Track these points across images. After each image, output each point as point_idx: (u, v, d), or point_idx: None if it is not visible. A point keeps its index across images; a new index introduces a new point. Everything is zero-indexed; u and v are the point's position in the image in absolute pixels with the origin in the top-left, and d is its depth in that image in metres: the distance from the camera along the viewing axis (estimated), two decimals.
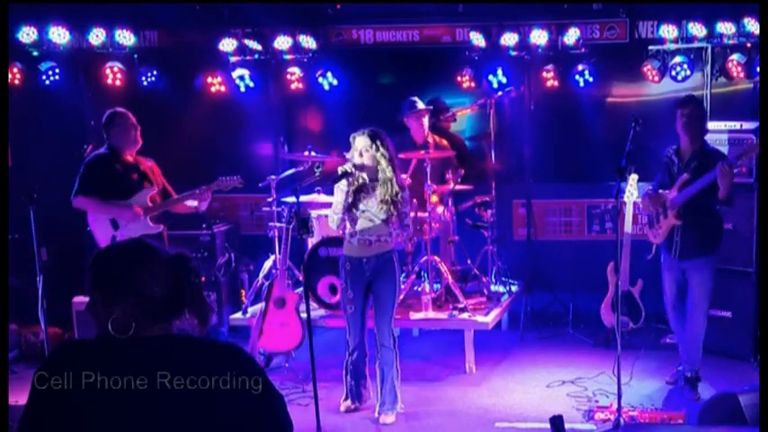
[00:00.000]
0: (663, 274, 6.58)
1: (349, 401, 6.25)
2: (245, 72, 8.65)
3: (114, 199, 6.47)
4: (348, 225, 5.94)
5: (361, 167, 5.82)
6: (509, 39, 8.12)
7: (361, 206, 5.88)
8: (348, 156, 5.89)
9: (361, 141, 5.81)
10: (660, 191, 6.45)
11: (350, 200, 5.85)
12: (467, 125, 9.27)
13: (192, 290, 2.47)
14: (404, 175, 7.68)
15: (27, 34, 8.16)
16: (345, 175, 5.80)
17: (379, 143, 5.79)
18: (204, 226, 8.17)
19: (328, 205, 7.32)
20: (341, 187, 5.86)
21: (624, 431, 5.39)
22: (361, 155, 5.81)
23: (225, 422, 2.32)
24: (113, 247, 2.53)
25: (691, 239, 6.29)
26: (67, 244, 8.24)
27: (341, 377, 6.30)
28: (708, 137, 6.73)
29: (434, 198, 7.54)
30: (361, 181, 5.87)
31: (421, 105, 7.95)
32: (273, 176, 7.71)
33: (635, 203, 7.32)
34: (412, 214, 7.38)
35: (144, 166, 6.62)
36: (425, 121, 7.95)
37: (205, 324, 2.52)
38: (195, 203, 6.62)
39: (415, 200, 7.56)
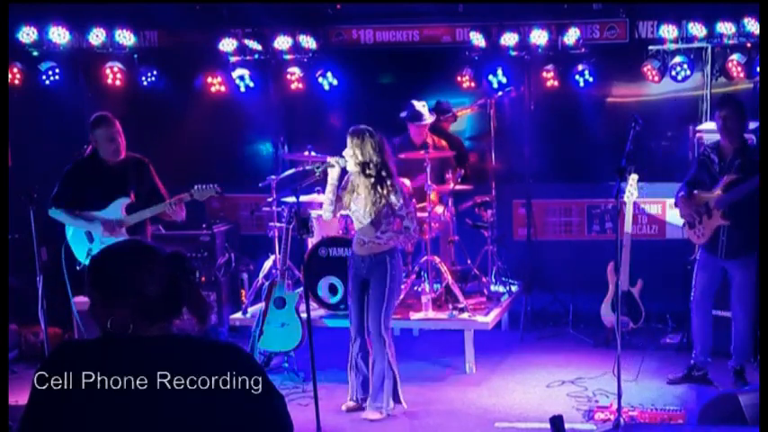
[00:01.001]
0: (696, 271, 6.55)
1: (351, 402, 6.25)
2: (245, 72, 8.65)
3: (91, 207, 6.19)
4: (333, 215, 6.13)
5: (342, 166, 5.95)
6: (509, 39, 8.12)
7: (353, 206, 5.95)
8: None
9: (348, 141, 5.89)
10: (696, 191, 6.36)
11: (336, 193, 5.98)
12: (467, 125, 9.27)
13: (190, 288, 2.47)
14: (406, 181, 7.69)
15: (27, 34, 8.16)
16: (324, 169, 5.97)
17: (357, 145, 5.81)
18: (204, 226, 8.16)
19: None
20: (330, 181, 5.99)
21: (624, 431, 5.39)
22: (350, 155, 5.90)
23: (225, 422, 2.33)
24: (111, 248, 2.53)
25: (737, 238, 6.24)
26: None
27: (340, 377, 6.31)
28: (707, 137, 6.74)
29: (433, 196, 7.53)
30: (357, 183, 5.91)
31: (427, 118, 7.92)
32: (273, 176, 7.72)
33: (635, 203, 7.32)
34: None
35: (129, 169, 6.22)
36: (427, 129, 7.97)
37: (204, 322, 2.52)
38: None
39: (414, 200, 7.59)
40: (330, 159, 6.03)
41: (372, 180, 5.82)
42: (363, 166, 5.81)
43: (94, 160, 6.22)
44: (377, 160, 5.81)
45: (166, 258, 2.45)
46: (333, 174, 5.99)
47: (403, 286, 7.56)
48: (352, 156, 5.83)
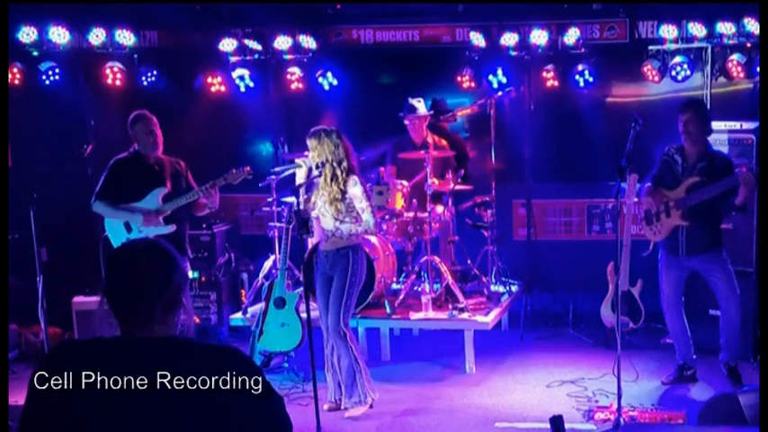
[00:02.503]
0: (661, 272, 6.58)
1: (330, 402, 6.24)
2: (245, 72, 8.65)
3: (130, 200, 6.43)
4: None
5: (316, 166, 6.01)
6: (509, 39, 8.12)
7: (319, 203, 6.02)
8: (306, 154, 6.13)
9: (308, 144, 5.99)
10: (662, 189, 6.42)
11: (305, 195, 6.07)
12: (467, 125, 9.27)
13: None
14: (404, 182, 7.69)
15: (27, 34, 8.15)
16: (297, 167, 6.19)
17: (314, 147, 5.92)
18: (204, 226, 8.17)
19: None
20: (298, 181, 6.17)
21: (624, 431, 5.39)
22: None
23: (224, 423, 2.33)
24: (121, 249, 2.52)
25: (696, 238, 6.30)
26: (67, 244, 8.25)
27: None
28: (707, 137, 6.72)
29: (436, 181, 7.52)
30: (313, 175, 6.03)
31: (422, 110, 7.94)
32: (273, 176, 7.71)
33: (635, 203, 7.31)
34: (411, 214, 7.43)
35: (166, 167, 6.54)
36: (423, 124, 7.97)
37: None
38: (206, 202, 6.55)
39: (415, 200, 7.60)
40: (297, 161, 6.26)
41: (330, 176, 5.92)
42: (322, 164, 5.91)
43: (134, 157, 6.50)
44: (333, 158, 5.90)
45: (173, 259, 2.46)
46: (300, 174, 6.21)
47: (403, 286, 7.60)
48: (312, 157, 5.97)
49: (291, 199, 6.41)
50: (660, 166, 6.51)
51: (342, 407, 6.18)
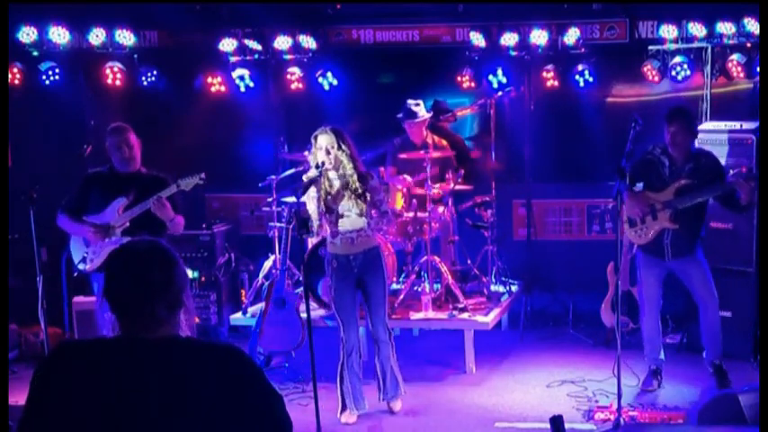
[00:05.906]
0: (640, 273, 6.54)
1: (348, 411, 6.14)
2: (245, 72, 8.65)
3: (92, 212, 5.99)
4: (327, 227, 5.91)
5: (326, 168, 5.80)
6: (509, 39, 8.12)
7: (342, 204, 5.88)
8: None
9: (324, 139, 5.79)
10: (639, 190, 6.25)
11: (323, 206, 5.84)
12: (467, 125, 9.27)
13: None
14: (407, 177, 7.70)
15: (27, 34, 8.15)
16: (312, 182, 5.74)
17: (340, 140, 5.79)
18: (204, 226, 8.17)
19: None
20: (311, 195, 5.81)
21: (624, 431, 5.39)
22: (327, 152, 5.78)
23: (225, 422, 2.33)
24: (121, 251, 2.52)
25: (681, 242, 6.25)
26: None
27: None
28: (707, 137, 6.72)
29: (435, 189, 7.51)
30: (328, 184, 5.86)
31: (422, 113, 7.92)
32: (273, 176, 7.72)
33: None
34: (411, 214, 7.44)
35: (138, 179, 6.00)
36: (423, 128, 7.97)
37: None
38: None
39: (415, 200, 7.60)
40: (310, 175, 5.82)
41: (351, 173, 5.83)
42: (347, 160, 5.80)
43: (107, 173, 6.09)
44: (351, 152, 5.84)
45: (173, 260, 2.46)
46: (317, 187, 5.83)
47: (403, 286, 7.61)
48: (335, 153, 5.77)
49: (291, 199, 6.39)
50: (643, 166, 6.31)
51: (382, 400, 6.23)
